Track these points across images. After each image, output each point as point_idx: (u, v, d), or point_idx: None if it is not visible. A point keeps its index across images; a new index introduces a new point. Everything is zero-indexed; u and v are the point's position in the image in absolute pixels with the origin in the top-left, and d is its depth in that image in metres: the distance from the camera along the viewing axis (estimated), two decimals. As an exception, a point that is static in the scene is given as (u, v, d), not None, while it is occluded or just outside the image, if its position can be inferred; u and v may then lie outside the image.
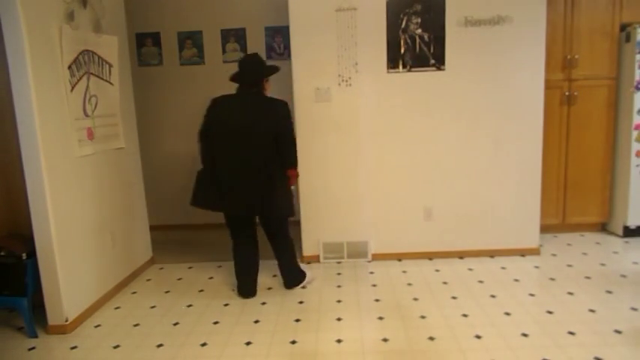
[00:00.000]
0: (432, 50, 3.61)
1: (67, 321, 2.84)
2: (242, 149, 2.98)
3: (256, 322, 2.90)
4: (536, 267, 3.59)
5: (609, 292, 3.10)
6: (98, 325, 2.95)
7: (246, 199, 3.02)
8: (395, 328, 2.74)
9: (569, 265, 3.58)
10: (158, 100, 4.87)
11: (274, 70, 3.18)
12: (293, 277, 3.37)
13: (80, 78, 3.05)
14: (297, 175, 3.18)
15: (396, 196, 3.79)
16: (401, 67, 3.64)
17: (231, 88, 3.10)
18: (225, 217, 3.22)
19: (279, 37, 4.72)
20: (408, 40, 3.61)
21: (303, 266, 3.45)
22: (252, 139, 2.97)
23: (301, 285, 3.38)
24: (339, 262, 3.85)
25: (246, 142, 2.97)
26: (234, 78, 3.12)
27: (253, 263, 3.31)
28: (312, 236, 3.86)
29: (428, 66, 3.63)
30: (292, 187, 3.17)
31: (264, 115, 3.01)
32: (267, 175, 3.00)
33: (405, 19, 3.58)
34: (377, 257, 3.85)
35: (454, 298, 3.11)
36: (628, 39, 3.93)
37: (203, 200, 3.11)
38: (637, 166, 3.98)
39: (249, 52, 4.74)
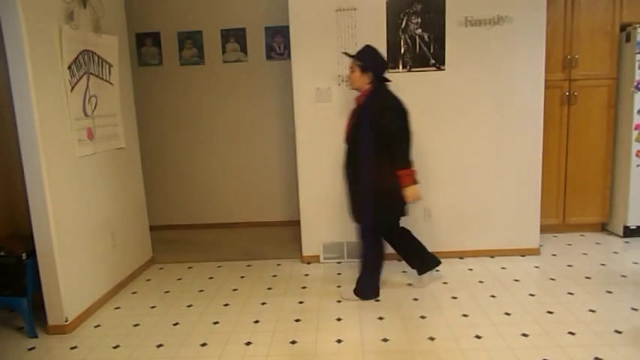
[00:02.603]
0: (432, 50, 3.61)
1: (66, 321, 2.84)
2: None
3: (256, 322, 2.90)
4: (536, 267, 3.59)
5: (609, 292, 3.10)
6: (98, 325, 2.95)
7: None
8: (395, 328, 2.74)
9: (570, 265, 3.58)
10: (158, 100, 4.86)
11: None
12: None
13: (80, 78, 3.05)
14: None
15: (396, 196, 3.79)
16: (401, 67, 3.64)
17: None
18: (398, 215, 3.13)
19: (279, 37, 4.71)
20: (408, 40, 3.60)
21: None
22: None
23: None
24: (339, 262, 3.85)
25: None
26: (379, 72, 3.01)
27: None
28: (312, 236, 3.86)
29: (428, 66, 3.63)
30: None
31: None
32: None
33: (405, 19, 3.58)
34: (377, 257, 3.85)
35: (454, 298, 3.11)
36: (628, 39, 3.93)
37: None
38: (637, 166, 3.98)
39: (248, 52, 4.75)
